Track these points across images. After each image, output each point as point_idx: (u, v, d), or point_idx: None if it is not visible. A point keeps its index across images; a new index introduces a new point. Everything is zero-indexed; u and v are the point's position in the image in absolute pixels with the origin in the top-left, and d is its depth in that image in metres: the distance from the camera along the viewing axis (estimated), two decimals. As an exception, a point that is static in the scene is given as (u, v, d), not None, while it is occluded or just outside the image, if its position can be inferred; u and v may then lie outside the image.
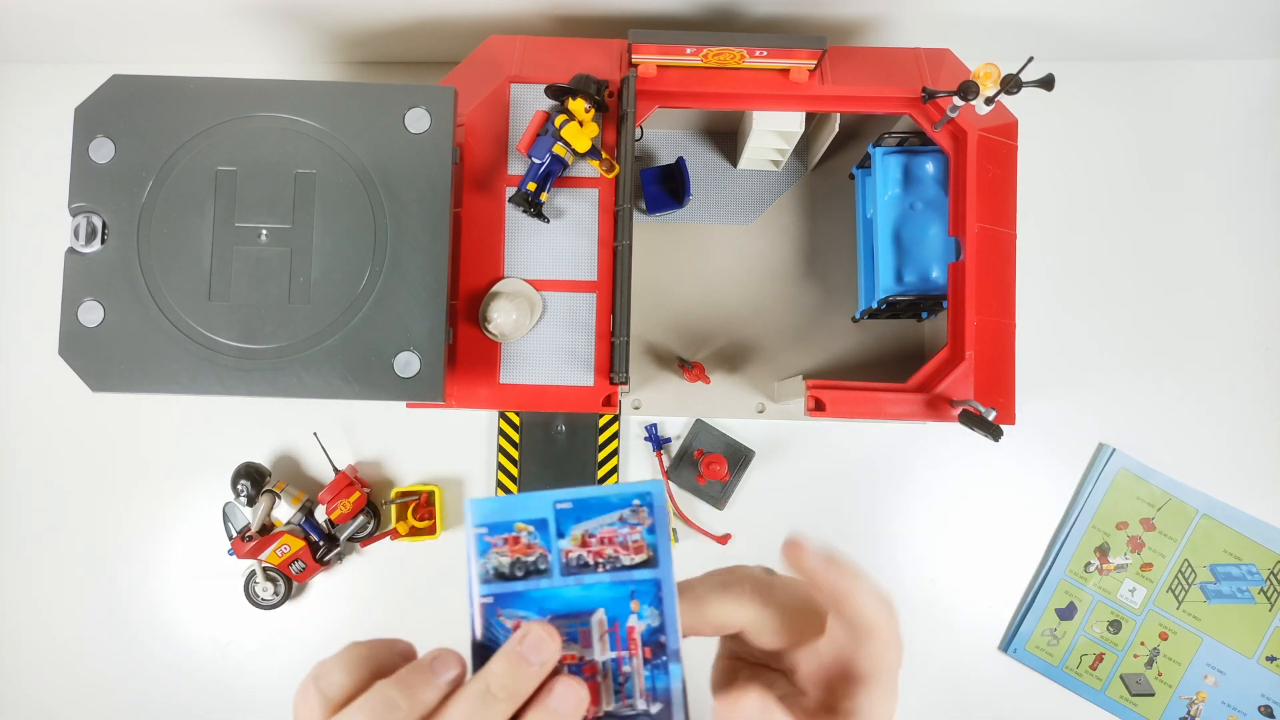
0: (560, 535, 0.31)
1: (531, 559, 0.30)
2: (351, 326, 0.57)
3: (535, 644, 0.29)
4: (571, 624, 0.30)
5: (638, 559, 0.30)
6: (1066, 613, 0.74)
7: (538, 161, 0.62)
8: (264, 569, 0.72)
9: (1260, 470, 0.74)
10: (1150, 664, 0.73)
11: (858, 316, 0.73)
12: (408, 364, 0.57)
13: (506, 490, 0.73)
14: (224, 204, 0.57)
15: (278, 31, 0.73)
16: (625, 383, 0.61)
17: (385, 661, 0.30)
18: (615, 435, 0.73)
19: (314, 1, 0.68)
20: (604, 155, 0.63)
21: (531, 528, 0.31)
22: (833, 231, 0.75)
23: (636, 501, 0.31)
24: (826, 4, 0.68)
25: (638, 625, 0.30)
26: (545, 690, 0.29)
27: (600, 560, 0.30)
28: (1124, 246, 0.77)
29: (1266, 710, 0.72)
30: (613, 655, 0.30)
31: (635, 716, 0.30)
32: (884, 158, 0.67)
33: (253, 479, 0.72)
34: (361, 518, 0.72)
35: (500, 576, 0.30)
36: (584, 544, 0.31)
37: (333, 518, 0.71)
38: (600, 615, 0.30)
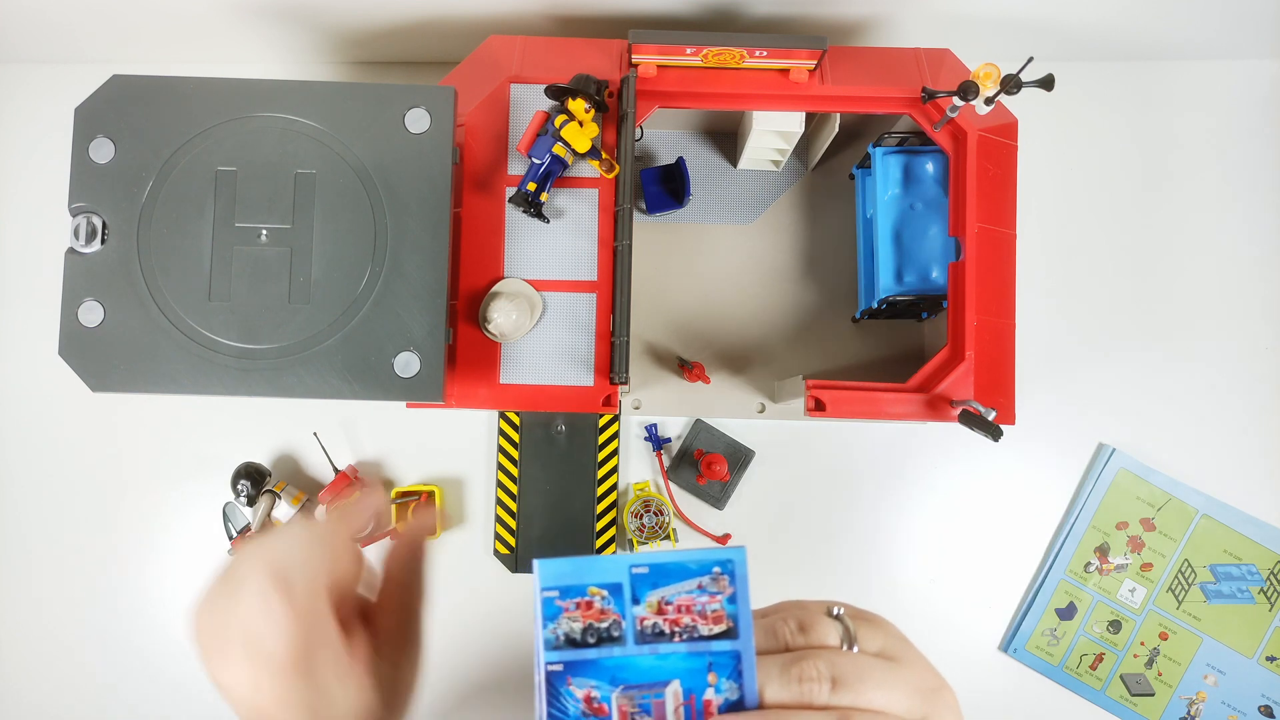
0: (635, 601, 0.29)
1: (605, 625, 0.29)
2: (351, 326, 0.57)
3: None
4: (645, 694, 0.28)
5: (717, 629, 0.29)
6: (1066, 613, 0.74)
7: (538, 161, 0.62)
8: (264, 569, 0.72)
9: (1260, 470, 0.74)
10: (1150, 664, 0.73)
11: (858, 316, 0.73)
12: (408, 364, 0.57)
13: (507, 491, 0.73)
14: (224, 204, 0.57)
15: (278, 31, 0.73)
16: (625, 383, 0.61)
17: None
18: (615, 435, 0.73)
19: (314, 1, 0.68)
20: (604, 155, 0.63)
21: (605, 592, 0.29)
22: (833, 231, 0.75)
23: (717, 569, 0.29)
24: (826, 4, 0.68)
25: (715, 699, 0.28)
26: None
27: (677, 629, 0.29)
28: (1124, 246, 0.77)
29: (1266, 710, 0.72)
30: None
31: None
32: (884, 158, 0.67)
33: (253, 479, 0.72)
34: (361, 518, 0.72)
35: (570, 643, 0.29)
36: (660, 611, 0.29)
37: (333, 518, 0.71)
38: (675, 687, 0.29)
